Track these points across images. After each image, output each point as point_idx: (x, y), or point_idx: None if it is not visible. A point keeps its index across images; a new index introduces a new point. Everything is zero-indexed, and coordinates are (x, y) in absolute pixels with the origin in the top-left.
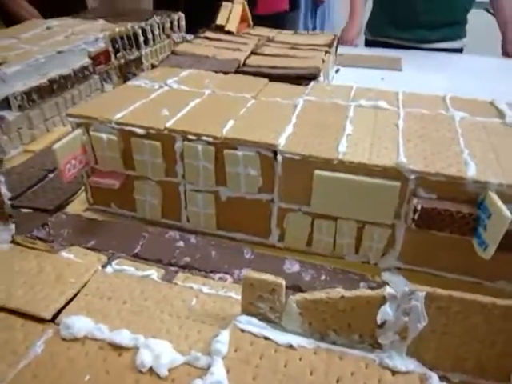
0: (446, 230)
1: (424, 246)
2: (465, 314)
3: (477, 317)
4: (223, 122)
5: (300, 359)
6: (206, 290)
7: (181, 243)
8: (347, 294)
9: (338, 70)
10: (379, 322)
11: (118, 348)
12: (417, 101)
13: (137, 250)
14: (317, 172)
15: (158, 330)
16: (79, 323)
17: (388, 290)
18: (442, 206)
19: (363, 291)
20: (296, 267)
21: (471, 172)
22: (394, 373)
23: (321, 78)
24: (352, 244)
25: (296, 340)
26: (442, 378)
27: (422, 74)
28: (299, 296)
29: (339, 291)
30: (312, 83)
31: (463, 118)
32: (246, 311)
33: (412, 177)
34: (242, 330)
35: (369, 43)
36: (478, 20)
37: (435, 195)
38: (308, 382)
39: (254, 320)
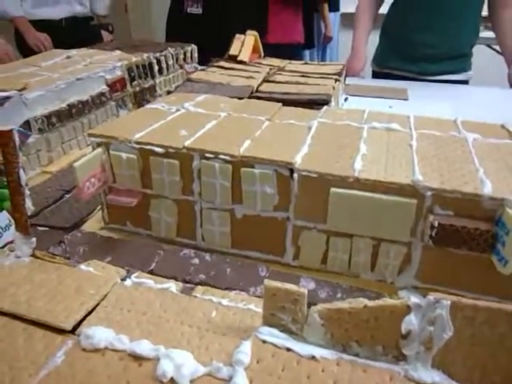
0: (464, 247)
1: (442, 265)
2: (491, 324)
3: (504, 326)
4: (240, 141)
5: (323, 371)
6: (225, 302)
7: (196, 260)
8: (370, 303)
9: (346, 99)
10: (404, 332)
11: (138, 359)
12: (428, 124)
13: (152, 267)
14: (333, 189)
15: (178, 341)
16: (100, 334)
17: (413, 299)
18: (460, 222)
19: (387, 301)
20: (311, 285)
21: (487, 189)
22: None
23: (332, 104)
24: (368, 262)
25: (318, 351)
26: None
27: (428, 103)
28: (321, 307)
29: (362, 301)
30: (324, 107)
31: (476, 139)
32: (268, 322)
33: (428, 194)
34: (264, 341)
35: (375, 75)
36: (483, 55)
37: (452, 212)
38: None
39: (276, 331)
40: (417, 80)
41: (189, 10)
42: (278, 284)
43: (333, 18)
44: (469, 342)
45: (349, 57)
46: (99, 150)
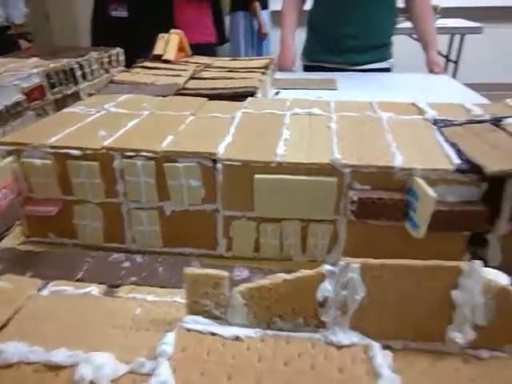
0: (382, 217)
1: (365, 238)
2: (398, 281)
3: (409, 281)
4: (162, 137)
5: (247, 349)
6: (150, 298)
7: (127, 264)
8: (288, 277)
9: (277, 93)
10: (320, 299)
11: (55, 368)
12: (347, 106)
13: (79, 276)
14: (257, 176)
15: (100, 343)
16: (12, 348)
17: (326, 266)
18: (376, 195)
19: (303, 272)
20: (245, 273)
21: (398, 161)
22: (339, 347)
23: (259, 96)
24: (298, 244)
25: (242, 331)
26: (384, 347)
27: (356, 91)
28: (243, 287)
29: (281, 276)
30: (249, 98)
31: (390, 117)
32: (192, 311)
33: (346, 171)
34: (189, 330)
35: (306, 68)
36: (405, 44)
37: (370, 186)
38: (256, 370)
39: (200, 318)
40: (344, 70)
41: (113, 13)
42: (199, 270)
43: (264, 16)
44: (380, 300)
45: (279, 54)
46: (9, 158)
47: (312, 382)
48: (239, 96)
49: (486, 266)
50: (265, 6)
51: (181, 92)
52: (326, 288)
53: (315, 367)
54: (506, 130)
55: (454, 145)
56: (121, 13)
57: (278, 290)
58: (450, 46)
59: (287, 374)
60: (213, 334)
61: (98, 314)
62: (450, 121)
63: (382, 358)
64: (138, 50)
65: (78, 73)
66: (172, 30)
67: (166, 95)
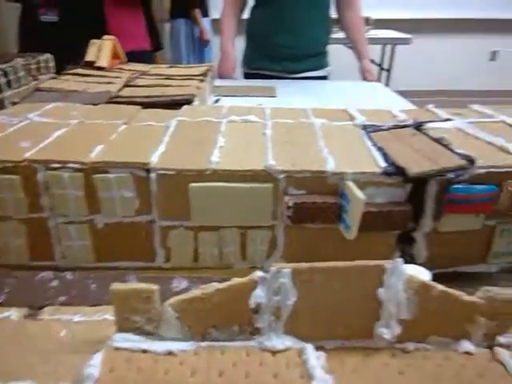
0: (318, 220)
1: (303, 242)
2: (327, 282)
3: (338, 282)
4: (91, 147)
5: (181, 363)
6: (77, 318)
7: (55, 282)
8: (221, 285)
9: (218, 100)
10: (253, 305)
11: None
12: (282, 114)
13: (1, 300)
14: (192, 184)
15: (20, 372)
16: None
17: (258, 273)
18: (311, 199)
19: (236, 280)
20: (184, 284)
21: (330, 166)
22: (274, 353)
23: (196, 103)
24: (238, 251)
25: (175, 346)
26: (318, 348)
27: (294, 98)
28: (174, 299)
29: (213, 285)
30: (185, 106)
31: (322, 123)
32: (122, 328)
33: (281, 176)
34: (117, 349)
35: (246, 76)
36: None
37: (304, 191)
38: None
39: (131, 336)
40: (283, 78)
41: (42, 17)
42: (126, 285)
43: (206, 23)
44: (311, 303)
45: (220, 61)
46: None
47: None
48: (176, 104)
49: (413, 262)
50: (206, 14)
51: (114, 100)
52: (259, 294)
53: (250, 375)
54: (426, 134)
55: (380, 149)
56: (51, 17)
57: (211, 300)
58: (382, 56)
59: None
60: (144, 351)
61: (16, 340)
62: (377, 126)
63: (315, 360)
64: (69, 57)
65: (2, 80)
66: (105, 36)
67: (97, 103)
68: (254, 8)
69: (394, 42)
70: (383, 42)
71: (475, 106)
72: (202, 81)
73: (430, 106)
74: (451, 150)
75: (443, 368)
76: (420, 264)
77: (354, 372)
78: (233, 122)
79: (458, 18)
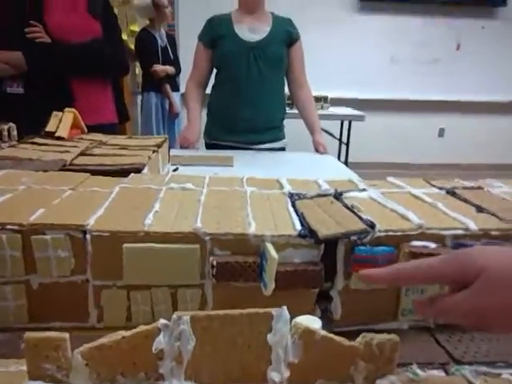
0: (240, 279)
1: (229, 299)
2: (224, 329)
3: (233, 329)
4: (33, 210)
5: None
6: None
7: None
8: (127, 333)
9: (176, 169)
10: (154, 351)
11: None
12: (220, 182)
13: None
14: (125, 245)
15: None
16: None
17: (161, 320)
18: (233, 259)
19: (141, 327)
20: None
21: (252, 229)
22: None
23: (145, 171)
24: (169, 309)
25: None
26: None
27: (251, 169)
28: (83, 347)
29: (121, 333)
30: (132, 174)
31: (253, 191)
32: (33, 376)
33: (207, 238)
34: None
35: (208, 146)
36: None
37: (229, 252)
38: None
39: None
40: (243, 149)
41: (8, 89)
42: (38, 334)
43: (176, 97)
44: (210, 348)
45: (184, 130)
46: None
47: None
48: (126, 172)
49: (332, 319)
50: (176, 89)
51: (66, 168)
52: (161, 341)
53: None
54: (342, 201)
55: (300, 214)
56: (16, 90)
57: (119, 347)
58: (341, 131)
59: None
60: None
61: None
62: (302, 194)
63: None
64: (33, 128)
65: None
66: (66, 109)
67: (48, 170)
68: (215, 86)
69: (350, 118)
70: (340, 118)
71: (390, 178)
72: (154, 151)
73: (391, 179)
74: (358, 216)
75: None
76: (338, 320)
77: None
78: (171, 190)
79: (409, 99)
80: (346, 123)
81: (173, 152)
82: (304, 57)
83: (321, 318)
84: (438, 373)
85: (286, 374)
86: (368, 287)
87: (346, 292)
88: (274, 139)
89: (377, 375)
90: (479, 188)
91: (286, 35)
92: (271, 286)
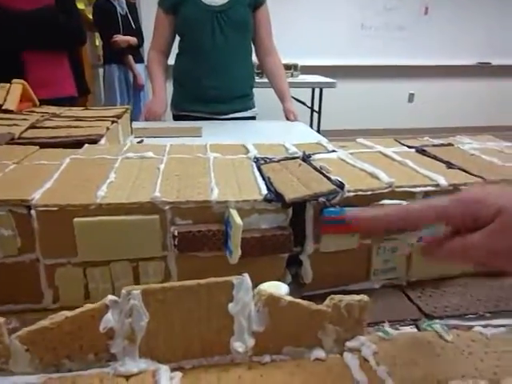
0: (204, 248)
1: (195, 270)
2: (180, 301)
3: (190, 300)
4: None
5: None
6: None
7: None
8: (70, 313)
9: (141, 141)
10: (102, 330)
11: None
12: (182, 150)
13: None
14: (76, 219)
15: None
16: None
17: (109, 297)
18: (196, 228)
19: (86, 306)
20: None
21: (214, 195)
22: (128, 377)
23: (102, 143)
24: (131, 284)
25: (23, 380)
26: (176, 369)
27: (220, 138)
28: (22, 331)
29: (63, 313)
30: (86, 146)
31: (216, 157)
32: None
33: (167, 207)
34: None
35: (176, 118)
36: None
37: (191, 221)
38: None
39: None
40: (212, 119)
41: None
42: None
43: (140, 69)
44: (166, 323)
45: (149, 102)
46: None
47: None
48: (82, 144)
49: (303, 283)
50: (140, 60)
51: (15, 142)
52: (109, 319)
53: None
54: (311, 164)
55: (267, 178)
56: None
57: (61, 330)
58: (312, 99)
59: None
60: None
61: None
62: (269, 158)
63: (167, 381)
64: None
65: None
66: (14, 80)
67: None
68: (179, 54)
69: (321, 85)
70: (311, 85)
71: (360, 140)
72: (114, 122)
73: (360, 140)
74: (327, 178)
75: (294, 375)
76: (309, 284)
77: None
78: (128, 159)
79: (379, 65)
80: (317, 91)
81: (138, 124)
82: (271, 22)
83: (292, 282)
84: (410, 329)
85: (251, 343)
86: (338, 248)
87: (316, 255)
88: (244, 108)
89: (346, 337)
90: (449, 145)
91: None
92: (237, 253)
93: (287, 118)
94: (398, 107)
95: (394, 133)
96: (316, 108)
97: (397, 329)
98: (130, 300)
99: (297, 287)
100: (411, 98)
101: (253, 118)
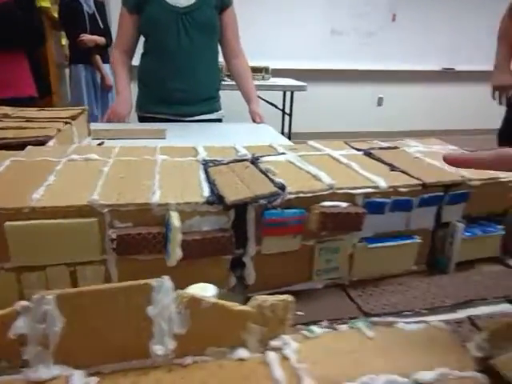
0: (144, 251)
1: (135, 274)
2: (97, 306)
3: (107, 304)
4: None
5: None
6: None
7: None
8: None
9: (102, 143)
10: (13, 337)
11: None
12: (131, 152)
13: None
14: (7, 223)
15: None
16: None
17: (21, 302)
18: (135, 231)
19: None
20: None
21: (156, 198)
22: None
23: (50, 144)
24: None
25: None
26: (93, 374)
27: (184, 141)
28: None
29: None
30: (28, 147)
31: (165, 159)
32: None
33: (105, 210)
34: None
35: (141, 119)
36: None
37: (131, 224)
38: None
39: None
40: (177, 121)
41: None
42: None
43: (108, 69)
44: (83, 328)
45: (113, 104)
46: None
47: None
48: (27, 145)
49: (246, 285)
50: (108, 60)
51: None
52: (20, 325)
53: None
54: (257, 166)
55: (212, 181)
56: None
57: None
58: (283, 101)
59: None
60: None
61: None
62: (218, 161)
63: None
64: None
65: None
66: None
67: None
68: (144, 55)
69: (292, 88)
70: (281, 88)
71: (311, 142)
72: (67, 123)
73: (311, 142)
74: (271, 180)
75: (214, 376)
76: (252, 285)
77: None
78: (72, 161)
79: (349, 69)
80: (288, 94)
81: (100, 126)
82: (238, 24)
83: (237, 284)
84: (346, 327)
85: (171, 345)
86: (280, 250)
87: (259, 257)
88: (210, 110)
89: (270, 336)
90: (395, 148)
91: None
92: (174, 256)
93: (254, 121)
94: (367, 111)
95: (363, 136)
96: (287, 111)
97: (334, 328)
98: (43, 305)
99: (241, 289)
100: (380, 101)
101: (219, 120)
